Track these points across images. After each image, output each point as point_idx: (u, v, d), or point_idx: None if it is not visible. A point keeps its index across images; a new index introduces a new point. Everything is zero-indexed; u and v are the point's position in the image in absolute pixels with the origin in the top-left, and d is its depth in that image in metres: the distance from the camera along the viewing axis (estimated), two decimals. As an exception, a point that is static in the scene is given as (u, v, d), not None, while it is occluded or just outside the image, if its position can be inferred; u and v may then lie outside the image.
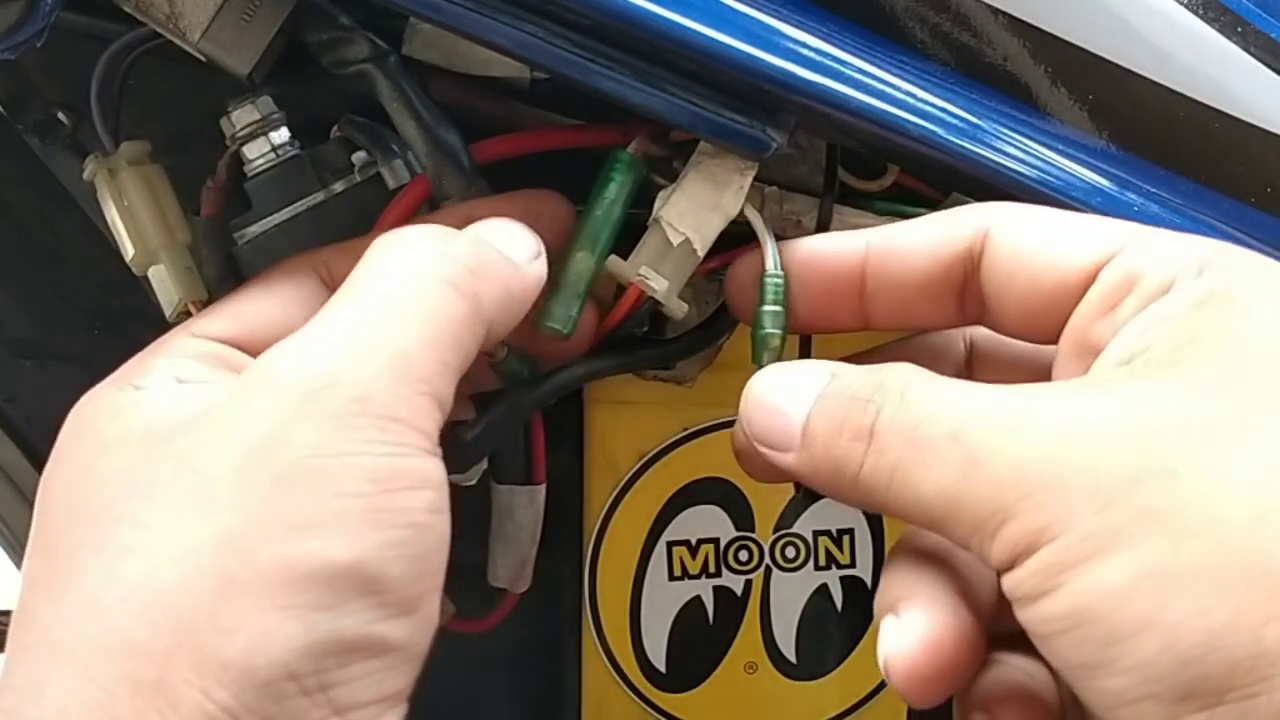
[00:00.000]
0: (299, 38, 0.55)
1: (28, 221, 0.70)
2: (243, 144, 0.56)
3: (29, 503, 0.79)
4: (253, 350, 0.41)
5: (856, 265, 0.46)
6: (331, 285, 0.44)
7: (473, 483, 0.66)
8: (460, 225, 0.43)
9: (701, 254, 0.56)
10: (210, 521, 0.30)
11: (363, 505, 0.31)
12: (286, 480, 0.30)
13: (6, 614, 0.98)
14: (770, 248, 0.55)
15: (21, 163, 0.65)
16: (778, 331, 0.54)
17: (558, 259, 0.54)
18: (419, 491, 0.32)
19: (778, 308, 0.54)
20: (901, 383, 0.35)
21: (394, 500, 0.31)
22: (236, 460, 0.31)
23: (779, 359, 0.54)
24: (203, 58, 0.53)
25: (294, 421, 0.31)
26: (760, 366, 0.54)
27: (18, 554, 0.83)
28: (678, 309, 0.57)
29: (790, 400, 0.40)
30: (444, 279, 0.37)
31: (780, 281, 0.55)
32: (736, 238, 0.62)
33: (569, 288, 0.53)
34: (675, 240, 0.55)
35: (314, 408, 0.31)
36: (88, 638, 0.30)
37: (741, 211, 0.57)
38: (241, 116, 0.56)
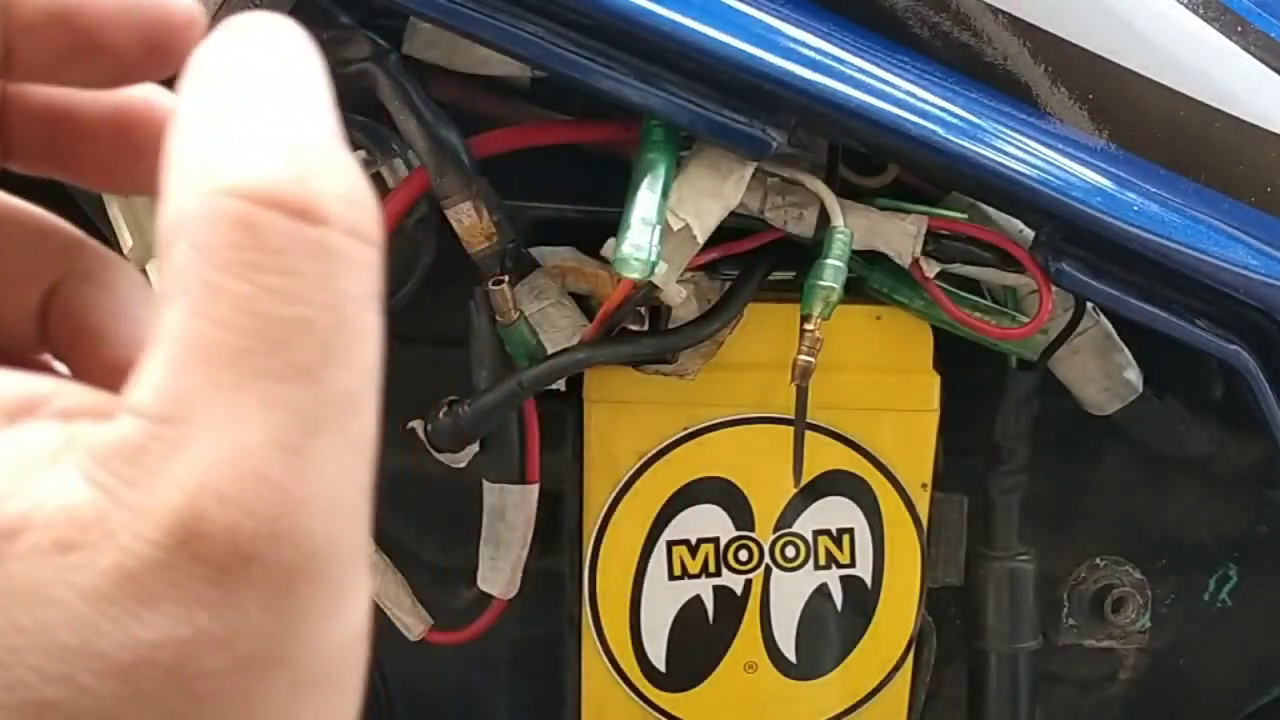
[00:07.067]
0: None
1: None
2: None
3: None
4: None
5: None
6: None
7: (463, 464, 0.66)
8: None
9: (700, 241, 0.56)
10: None
11: None
12: None
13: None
14: (834, 203, 0.56)
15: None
16: (836, 286, 0.55)
17: (626, 201, 0.54)
18: None
19: (840, 263, 0.55)
20: None
21: None
22: None
23: (830, 315, 0.56)
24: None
25: None
26: (809, 316, 0.56)
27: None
28: (675, 294, 0.57)
29: None
30: None
31: (847, 238, 0.56)
32: (736, 231, 0.62)
33: (640, 224, 0.54)
34: (675, 225, 0.55)
35: None
36: None
37: (741, 202, 0.57)
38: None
